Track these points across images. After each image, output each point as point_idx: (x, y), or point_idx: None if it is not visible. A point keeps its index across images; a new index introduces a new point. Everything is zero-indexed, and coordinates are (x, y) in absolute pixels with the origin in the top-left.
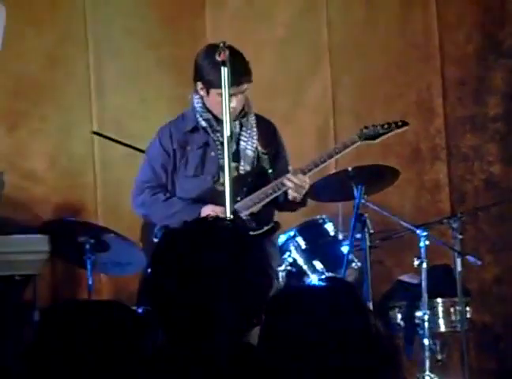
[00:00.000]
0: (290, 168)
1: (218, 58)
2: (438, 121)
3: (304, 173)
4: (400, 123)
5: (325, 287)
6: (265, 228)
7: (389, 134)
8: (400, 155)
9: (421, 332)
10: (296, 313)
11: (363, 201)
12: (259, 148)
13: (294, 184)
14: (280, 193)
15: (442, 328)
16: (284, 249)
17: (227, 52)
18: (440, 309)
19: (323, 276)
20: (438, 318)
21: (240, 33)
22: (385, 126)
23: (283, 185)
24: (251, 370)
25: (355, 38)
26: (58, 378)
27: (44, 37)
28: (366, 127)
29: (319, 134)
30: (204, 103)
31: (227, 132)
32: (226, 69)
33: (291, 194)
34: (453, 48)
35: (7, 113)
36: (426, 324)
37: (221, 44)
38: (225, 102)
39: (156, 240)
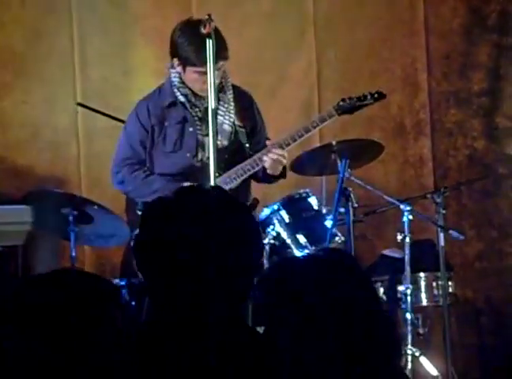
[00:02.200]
0: (267, 142)
1: (203, 31)
2: (423, 95)
3: (282, 147)
4: (376, 95)
5: (326, 257)
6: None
7: (366, 106)
8: (384, 129)
9: (403, 306)
10: (297, 282)
11: (346, 175)
12: (236, 122)
13: (271, 159)
14: (258, 168)
15: (425, 303)
16: (267, 222)
17: (212, 24)
18: (422, 283)
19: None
20: (421, 292)
21: (226, 6)
22: (362, 98)
23: (260, 160)
24: (245, 345)
25: (341, 12)
26: (32, 349)
27: (28, 9)
28: (343, 100)
29: (304, 108)
30: (181, 78)
31: (211, 105)
32: (211, 41)
33: (269, 169)
34: (439, 23)
35: None
36: (408, 298)
37: (206, 16)
38: (210, 74)
39: (139, 212)
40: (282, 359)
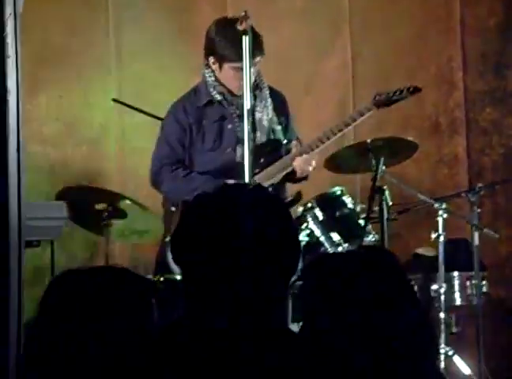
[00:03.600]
0: (294, 144)
1: (239, 27)
2: (458, 94)
3: (312, 149)
4: (411, 89)
5: (366, 254)
6: (290, 198)
7: (402, 100)
8: (419, 127)
9: (437, 305)
10: (337, 280)
11: (381, 174)
12: (274, 119)
13: (299, 165)
14: (290, 169)
15: (458, 302)
16: (301, 220)
17: (249, 21)
18: (456, 282)
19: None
20: (454, 292)
21: (260, 3)
22: (398, 93)
23: (291, 162)
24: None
25: (376, 9)
26: (62, 344)
27: (65, 3)
28: (379, 94)
29: (338, 106)
30: (216, 77)
31: (247, 103)
32: (248, 37)
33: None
34: (475, 21)
35: (27, 79)
36: (442, 298)
37: (243, 13)
38: (246, 71)
39: (173, 209)
40: (319, 354)
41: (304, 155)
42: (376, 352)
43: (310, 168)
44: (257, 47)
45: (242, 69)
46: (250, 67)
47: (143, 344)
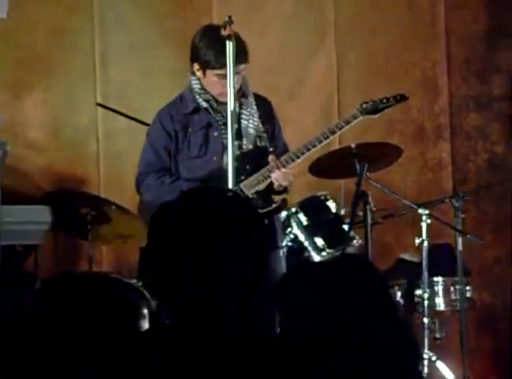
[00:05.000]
0: (270, 158)
1: (224, 33)
2: (443, 99)
3: (298, 157)
4: (398, 97)
5: (344, 262)
6: (274, 205)
7: (389, 108)
8: (403, 133)
9: (420, 310)
10: (314, 288)
11: (365, 179)
12: (260, 126)
13: (276, 178)
14: (270, 180)
15: (442, 307)
16: (285, 225)
17: (232, 27)
18: (440, 287)
19: (339, 253)
20: (438, 297)
21: (246, 9)
22: (384, 101)
23: (270, 172)
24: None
25: (362, 15)
26: (53, 349)
27: (49, 8)
28: (365, 102)
29: (323, 111)
30: (201, 84)
31: (231, 106)
32: (231, 43)
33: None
34: (459, 27)
35: (12, 83)
36: (425, 303)
37: (226, 18)
38: (230, 77)
39: None
40: (295, 361)
41: (282, 169)
42: (354, 360)
43: (287, 183)
44: (241, 54)
45: (225, 76)
46: (233, 72)
47: (132, 349)
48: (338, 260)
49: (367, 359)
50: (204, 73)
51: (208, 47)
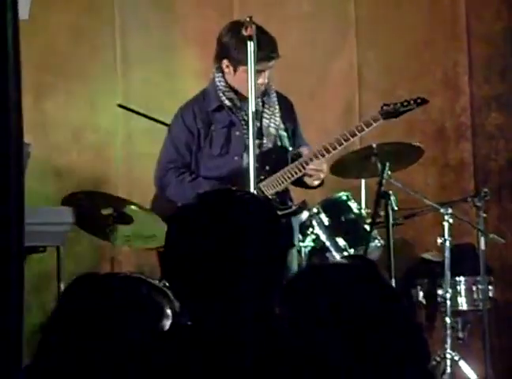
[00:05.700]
0: (304, 149)
1: (244, 33)
2: (464, 99)
3: (323, 155)
4: (419, 100)
5: (348, 265)
6: (294, 207)
7: (409, 111)
8: (425, 133)
9: (443, 309)
10: (320, 290)
11: (386, 178)
12: (281, 125)
13: (313, 170)
14: (301, 174)
15: (464, 307)
16: (307, 225)
17: (253, 27)
18: (462, 287)
19: (345, 254)
20: (460, 296)
21: (266, 7)
22: (405, 104)
23: (303, 167)
24: (277, 345)
25: (382, 13)
26: (76, 351)
27: (70, 9)
28: (386, 104)
29: (344, 110)
30: (227, 82)
31: (252, 107)
32: (252, 43)
33: (308, 180)
34: (481, 26)
35: (33, 85)
36: (448, 302)
37: (247, 19)
38: (251, 77)
39: None
40: (303, 363)
41: (316, 160)
42: (362, 362)
43: (322, 175)
44: (273, 50)
45: (258, 71)
46: (255, 72)
47: (156, 348)
48: (343, 263)
49: (372, 362)
50: (235, 70)
51: (239, 44)
